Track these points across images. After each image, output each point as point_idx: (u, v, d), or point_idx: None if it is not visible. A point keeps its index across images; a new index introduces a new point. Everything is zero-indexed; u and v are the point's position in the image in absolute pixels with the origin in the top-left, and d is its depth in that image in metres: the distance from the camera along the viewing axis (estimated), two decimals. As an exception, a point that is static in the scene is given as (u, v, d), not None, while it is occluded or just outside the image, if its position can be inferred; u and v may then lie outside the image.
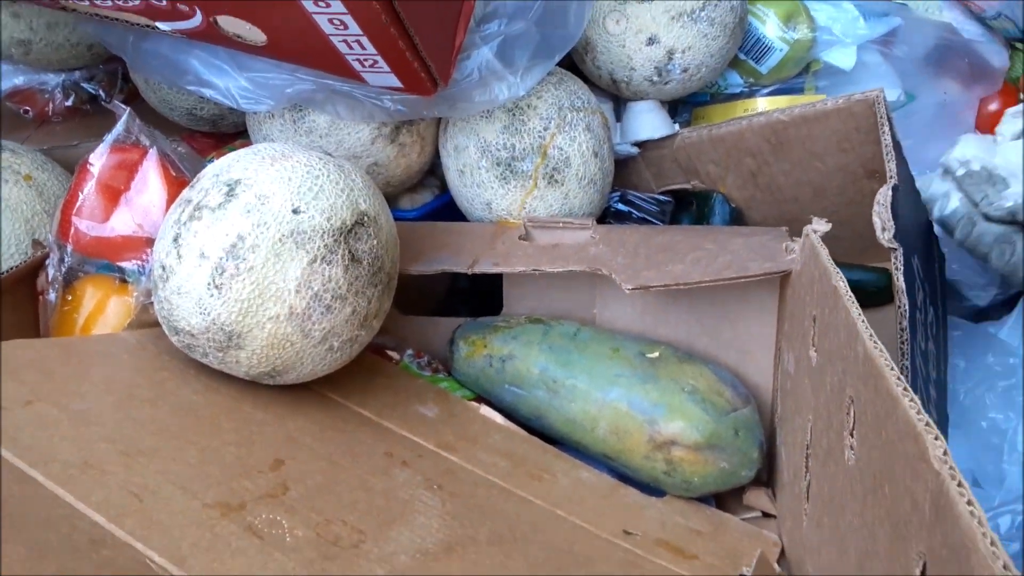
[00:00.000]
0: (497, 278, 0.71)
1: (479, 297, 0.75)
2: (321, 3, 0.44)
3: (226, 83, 0.58)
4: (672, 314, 0.61)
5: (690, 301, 0.60)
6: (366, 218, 0.48)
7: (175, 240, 0.44)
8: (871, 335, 0.34)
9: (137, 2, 0.48)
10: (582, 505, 0.51)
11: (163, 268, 0.44)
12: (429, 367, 0.62)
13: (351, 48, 0.49)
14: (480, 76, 0.57)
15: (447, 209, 0.71)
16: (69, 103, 0.72)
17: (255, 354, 0.45)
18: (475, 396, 0.61)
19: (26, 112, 0.73)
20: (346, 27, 0.46)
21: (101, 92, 0.74)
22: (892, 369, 0.30)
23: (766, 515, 0.57)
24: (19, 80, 0.71)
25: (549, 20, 0.59)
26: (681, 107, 0.80)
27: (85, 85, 0.73)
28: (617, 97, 0.74)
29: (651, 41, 0.66)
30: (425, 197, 0.72)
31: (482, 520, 0.45)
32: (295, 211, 0.44)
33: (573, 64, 0.72)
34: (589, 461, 0.57)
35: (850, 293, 0.38)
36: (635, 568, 0.46)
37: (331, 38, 0.48)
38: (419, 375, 0.61)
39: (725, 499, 0.58)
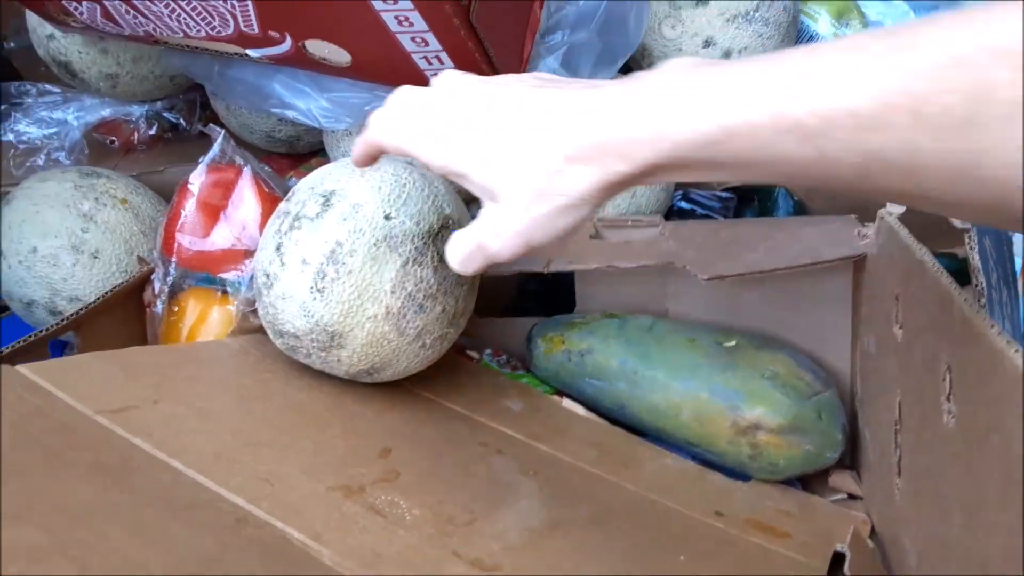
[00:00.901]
0: (566, 279, 0.73)
1: (549, 297, 0.77)
2: (405, 23, 0.47)
3: (308, 104, 0.62)
4: (745, 305, 0.62)
5: (762, 291, 0.61)
6: (450, 221, 0.50)
7: (277, 249, 0.47)
8: (966, 299, 0.35)
9: (230, 31, 0.52)
10: (671, 489, 0.52)
11: (267, 276, 0.47)
12: (508, 365, 0.64)
13: (429, 63, 0.51)
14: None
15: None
16: (152, 132, 0.77)
17: (355, 352, 0.47)
18: (554, 391, 0.63)
19: (112, 142, 0.77)
20: (426, 44, 0.49)
21: (181, 120, 0.78)
22: (992, 326, 0.31)
23: (852, 497, 0.57)
24: (106, 112, 0.75)
25: (610, 28, 0.61)
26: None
27: (166, 114, 0.77)
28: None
29: (708, 43, 0.68)
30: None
31: (580, 502, 0.47)
32: (387, 217, 0.47)
33: (629, 70, 0.74)
34: (672, 448, 0.58)
35: (937, 264, 0.40)
36: (731, 546, 0.48)
37: (412, 55, 0.50)
38: (500, 372, 0.63)
39: (810, 483, 0.59)
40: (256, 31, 0.51)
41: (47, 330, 0.51)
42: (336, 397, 0.50)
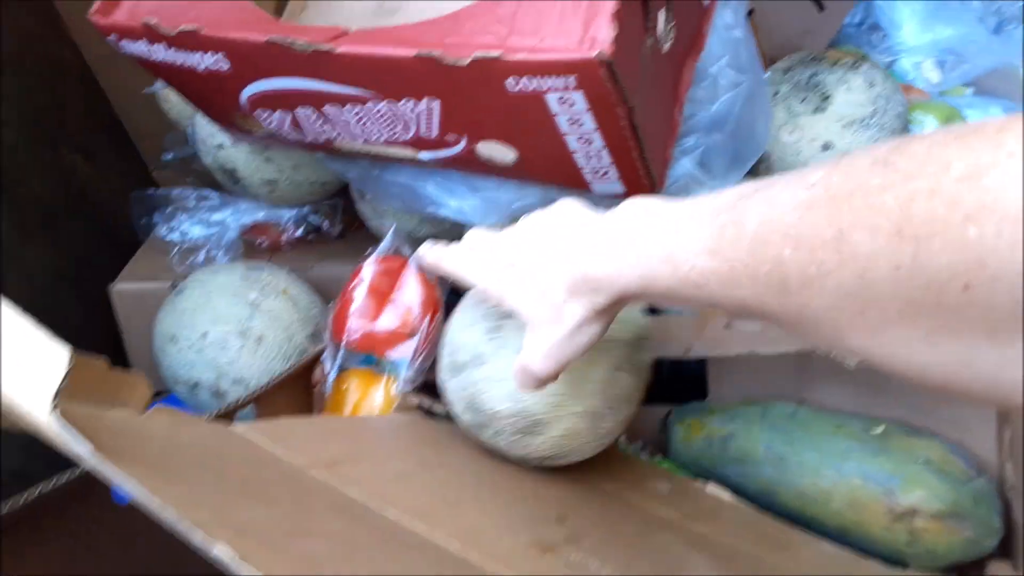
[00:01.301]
0: (692, 369, 0.75)
1: (674, 387, 0.78)
2: (574, 124, 0.52)
3: (459, 203, 0.67)
4: (885, 394, 0.62)
5: (903, 381, 0.62)
6: (645, 332, 0.53)
7: (494, 331, 0.49)
8: None
9: (409, 136, 0.58)
10: (836, 572, 0.52)
11: (476, 355, 0.49)
12: (644, 451, 0.66)
13: (589, 161, 0.56)
14: (684, 182, 0.64)
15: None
16: (299, 234, 0.83)
17: (548, 440, 0.49)
18: (694, 476, 0.63)
19: (261, 243, 0.84)
20: (591, 143, 0.54)
21: (325, 223, 0.84)
22: None
23: (1011, 589, 0.56)
24: (260, 215, 0.82)
25: (740, 132, 0.66)
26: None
27: (311, 217, 0.84)
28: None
29: (826, 147, 0.72)
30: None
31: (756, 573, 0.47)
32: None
33: (755, 170, 0.78)
34: (822, 536, 0.58)
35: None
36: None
37: (574, 154, 0.55)
38: (639, 458, 0.64)
39: (966, 572, 0.57)
40: (435, 135, 0.56)
41: (232, 405, 0.55)
42: (500, 466, 0.52)
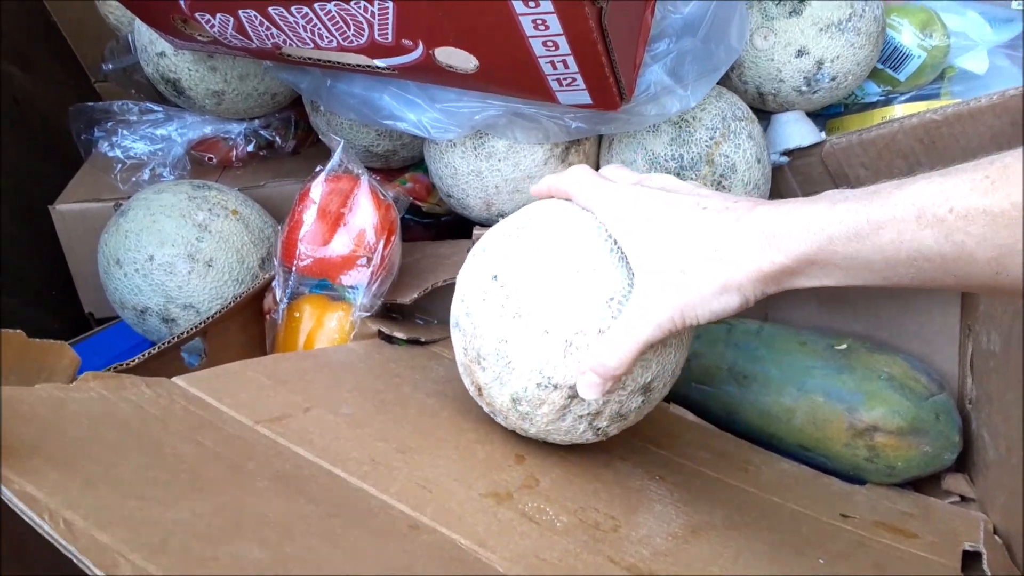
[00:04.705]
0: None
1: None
2: (541, 27, 0.48)
3: (418, 116, 0.63)
4: (850, 310, 0.62)
5: (868, 296, 0.61)
6: None
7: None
8: None
9: (363, 41, 0.54)
10: (792, 492, 0.52)
11: (506, 359, 0.43)
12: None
13: (555, 68, 0.53)
14: (654, 91, 0.61)
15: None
16: (250, 149, 0.79)
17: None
18: (658, 397, 0.63)
19: (210, 159, 0.79)
20: (557, 47, 0.50)
21: (277, 138, 0.80)
22: None
23: (964, 499, 0.57)
24: (207, 129, 0.77)
25: (713, 37, 0.62)
26: (815, 120, 0.83)
27: (263, 132, 0.79)
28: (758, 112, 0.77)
29: (800, 53, 0.69)
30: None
31: (711, 507, 0.47)
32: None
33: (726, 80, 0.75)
34: (783, 454, 0.58)
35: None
36: (863, 547, 0.47)
37: (539, 60, 0.52)
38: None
39: (921, 486, 0.58)
40: (390, 40, 0.52)
41: (180, 337, 0.53)
42: (462, 403, 0.51)
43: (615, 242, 0.41)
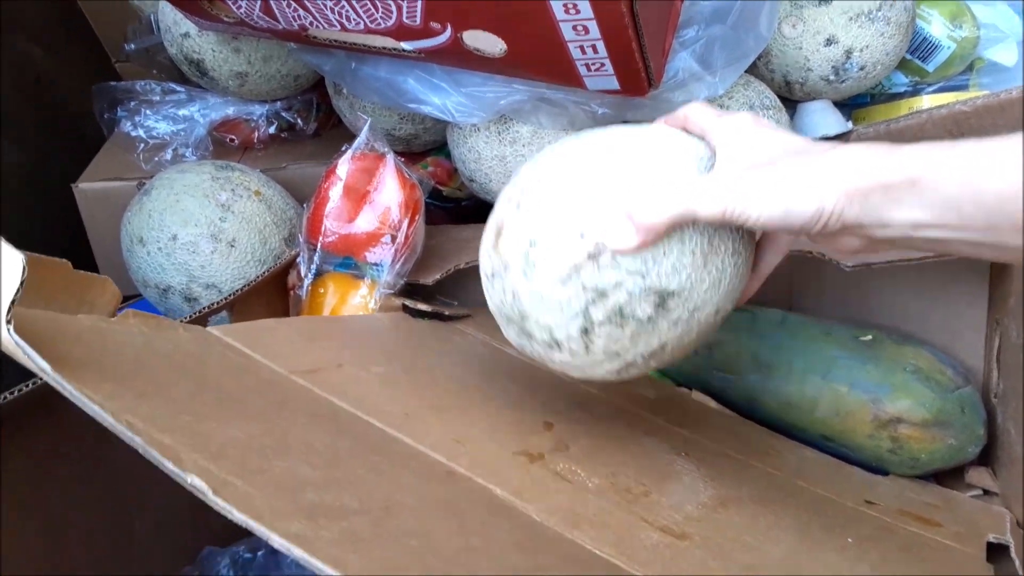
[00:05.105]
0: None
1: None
2: (571, 11, 0.48)
3: (443, 100, 0.63)
4: (876, 301, 0.62)
5: (895, 288, 0.61)
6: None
7: (584, 333, 0.38)
8: None
9: (390, 23, 0.53)
10: (816, 478, 0.52)
11: (556, 343, 0.39)
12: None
13: (584, 53, 0.52)
14: (681, 78, 0.61)
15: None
16: (271, 131, 0.79)
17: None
18: (678, 384, 0.63)
19: (232, 140, 0.80)
20: (587, 31, 0.50)
21: (299, 120, 0.80)
22: None
23: (986, 493, 0.56)
24: (230, 111, 0.77)
25: (743, 24, 0.62)
26: (841, 110, 0.82)
27: (284, 114, 0.79)
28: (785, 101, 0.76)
29: (829, 42, 0.69)
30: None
31: (738, 483, 0.47)
32: (716, 312, 0.40)
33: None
34: (804, 443, 0.58)
35: None
36: (889, 532, 0.47)
37: (568, 44, 0.51)
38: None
39: (944, 479, 0.58)
40: (418, 22, 0.52)
41: (205, 309, 0.53)
42: (488, 373, 0.51)
43: (710, 159, 0.38)
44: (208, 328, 0.41)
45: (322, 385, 0.39)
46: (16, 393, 0.36)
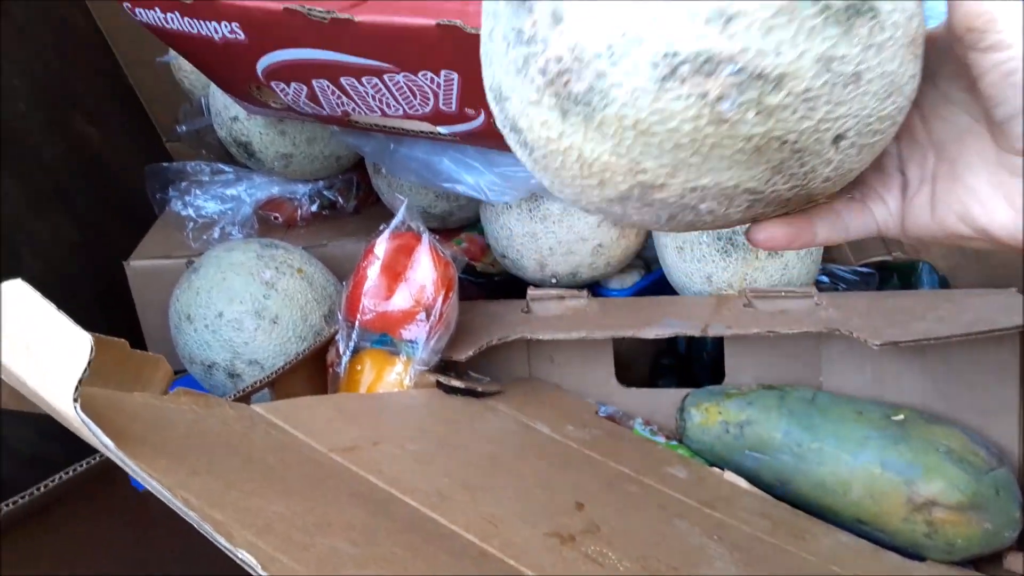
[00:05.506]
0: (709, 351, 0.74)
1: (683, 374, 0.78)
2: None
3: (476, 179, 0.66)
4: (906, 379, 0.62)
5: (924, 365, 0.61)
6: None
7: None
8: None
9: (427, 109, 0.57)
10: (852, 564, 0.52)
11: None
12: (660, 434, 0.65)
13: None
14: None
15: (653, 287, 0.76)
16: (314, 209, 0.82)
17: None
18: (709, 463, 0.63)
19: (276, 218, 0.83)
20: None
21: (339, 198, 0.83)
22: None
23: (1028, 580, 0.55)
24: (275, 190, 0.81)
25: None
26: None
27: (326, 192, 0.83)
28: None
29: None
30: (633, 277, 0.77)
31: (771, 569, 0.47)
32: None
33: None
34: (838, 527, 0.57)
35: None
36: (927, 621, 0.46)
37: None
38: (655, 441, 0.64)
39: (981, 567, 0.57)
40: (453, 109, 0.55)
41: (249, 388, 0.55)
42: (519, 451, 0.52)
43: None
44: (252, 406, 0.43)
45: (359, 463, 0.40)
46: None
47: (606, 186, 0.28)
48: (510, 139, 0.31)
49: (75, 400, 0.28)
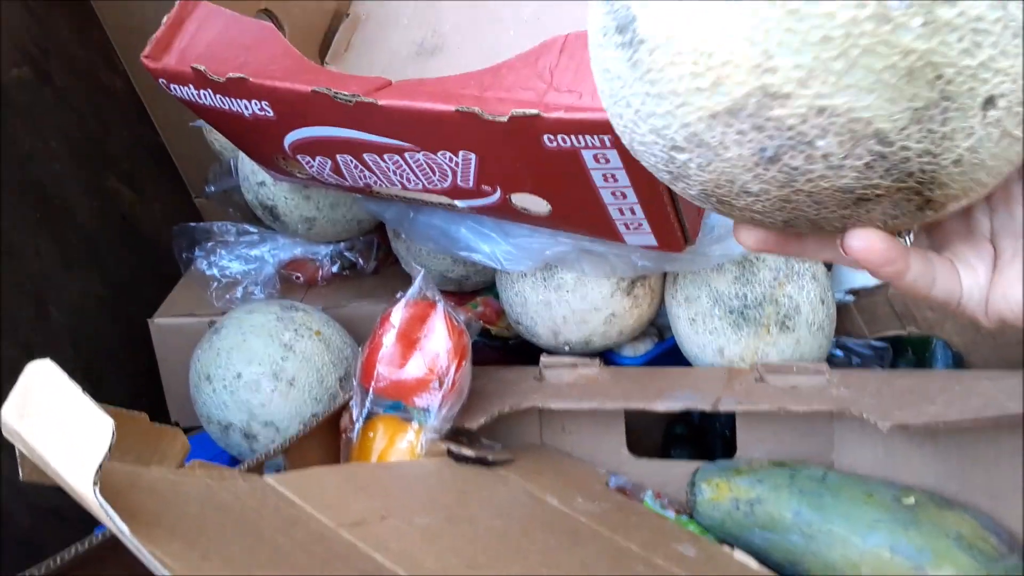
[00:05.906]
0: (722, 421, 0.75)
1: (695, 443, 0.78)
2: (610, 180, 0.52)
3: (492, 248, 0.68)
4: (917, 460, 0.61)
5: (935, 446, 0.61)
6: None
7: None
8: None
9: (446, 185, 0.59)
10: (860, 649, 0.51)
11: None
12: (671, 508, 0.65)
13: (622, 214, 0.56)
14: (719, 233, 0.64)
15: (665, 356, 0.77)
16: (335, 269, 0.84)
17: None
18: (719, 540, 0.63)
19: (298, 278, 0.85)
20: (625, 196, 0.54)
21: (360, 260, 0.85)
22: None
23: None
24: (297, 251, 0.83)
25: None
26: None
27: (347, 254, 0.85)
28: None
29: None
30: (647, 345, 0.77)
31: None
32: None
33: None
34: (848, 608, 0.57)
35: None
36: None
37: (608, 206, 0.56)
38: (665, 516, 0.64)
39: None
40: (471, 185, 0.57)
41: (263, 456, 0.56)
42: (527, 526, 0.52)
43: None
44: (264, 477, 0.44)
45: (367, 539, 0.41)
46: None
47: (718, 89, 0.24)
48: (608, 44, 0.27)
49: (95, 484, 0.29)
